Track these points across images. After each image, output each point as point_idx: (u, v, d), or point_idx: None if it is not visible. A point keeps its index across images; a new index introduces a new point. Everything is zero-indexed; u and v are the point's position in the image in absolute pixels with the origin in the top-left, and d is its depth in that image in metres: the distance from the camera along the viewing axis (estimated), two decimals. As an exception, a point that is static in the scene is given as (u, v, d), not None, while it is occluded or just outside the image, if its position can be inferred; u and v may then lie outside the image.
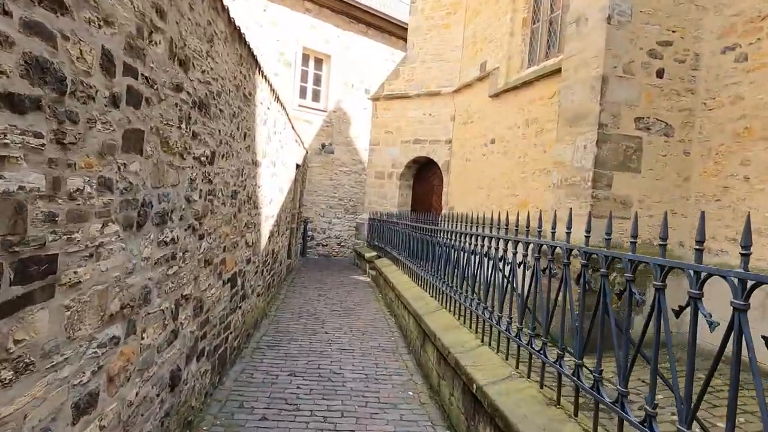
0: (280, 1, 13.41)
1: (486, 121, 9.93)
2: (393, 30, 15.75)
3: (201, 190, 3.37)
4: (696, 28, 4.81)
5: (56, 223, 1.65)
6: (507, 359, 3.25)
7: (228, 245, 4.37)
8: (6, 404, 1.44)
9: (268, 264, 7.13)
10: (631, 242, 2.42)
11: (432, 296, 5.69)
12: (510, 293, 3.50)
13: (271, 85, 5.85)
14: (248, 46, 4.47)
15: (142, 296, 2.45)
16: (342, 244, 15.41)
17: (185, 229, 3.10)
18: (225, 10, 3.66)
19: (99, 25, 1.82)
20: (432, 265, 5.94)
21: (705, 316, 1.66)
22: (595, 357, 2.36)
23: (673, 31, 4.78)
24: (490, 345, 3.59)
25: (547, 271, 2.87)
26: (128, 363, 2.33)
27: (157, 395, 2.75)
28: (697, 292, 1.74)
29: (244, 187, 4.90)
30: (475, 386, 3.00)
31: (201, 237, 3.47)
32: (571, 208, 4.85)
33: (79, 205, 1.79)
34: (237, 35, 4.07)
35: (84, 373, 1.90)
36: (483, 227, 4.34)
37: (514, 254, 3.40)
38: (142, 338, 2.50)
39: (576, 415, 2.46)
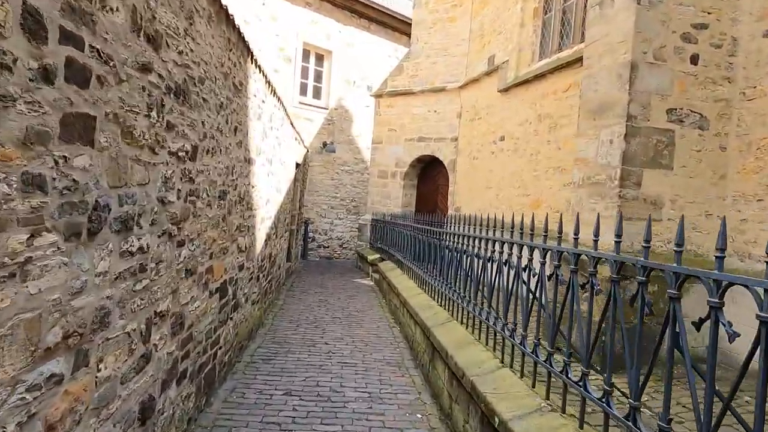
0: (279, -6, 12.99)
1: (494, 118, 9.48)
2: (396, 25, 15.30)
3: (180, 190, 2.93)
4: (733, 10, 4.34)
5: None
6: (534, 386, 2.80)
7: (216, 251, 3.93)
8: None
9: (265, 269, 6.69)
10: (675, 251, 2.00)
11: (441, 305, 5.23)
12: (531, 305, 3.05)
13: (266, 76, 5.41)
14: (238, 29, 4.03)
15: (97, 320, 2.01)
16: (344, 245, 14.97)
17: (159, 236, 2.65)
18: (208, -15, 3.22)
19: (17, -29, 1.38)
20: (440, 270, 5.48)
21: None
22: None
23: (709, 13, 4.31)
24: (511, 367, 3.13)
25: (587, 285, 2.41)
26: (77, 403, 1.89)
27: (122, 434, 2.31)
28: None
29: (235, 187, 4.46)
30: (497, 420, 2.55)
31: (180, 244, 3.03)
32: (598, 211, 4.42)
33: (-12, 210, 1.35)
34: (224, 15, 3.63)
35: (4, 429, 1.46)
36: (495, 230, 3.89)
37: (542, 264, 2.94)
38: (99, 370, 2.06)
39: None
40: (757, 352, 1.53)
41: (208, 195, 3.56)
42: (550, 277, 2.82)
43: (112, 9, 1.95)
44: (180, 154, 2.89)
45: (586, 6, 6.13)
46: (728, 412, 1.60)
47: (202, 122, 3.31)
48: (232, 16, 3.79)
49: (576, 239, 2.95)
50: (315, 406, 4.02)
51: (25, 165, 1.48)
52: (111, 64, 1.97)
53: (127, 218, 2.22)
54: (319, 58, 14.24)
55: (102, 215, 1.99)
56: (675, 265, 1.93)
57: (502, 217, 5.01)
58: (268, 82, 5.57)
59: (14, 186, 1.44)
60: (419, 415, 3.95)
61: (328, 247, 14.73)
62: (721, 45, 4.35)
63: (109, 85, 1.97)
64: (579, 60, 6.78)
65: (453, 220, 5.33)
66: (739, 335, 1.55)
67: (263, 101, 5.44)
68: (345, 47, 14.42)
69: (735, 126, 4.37)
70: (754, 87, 4.24)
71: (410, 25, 12.85)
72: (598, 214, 3.13)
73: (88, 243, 1.89)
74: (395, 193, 12.58)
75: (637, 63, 4.21)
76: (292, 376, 4.67)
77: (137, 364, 2.46)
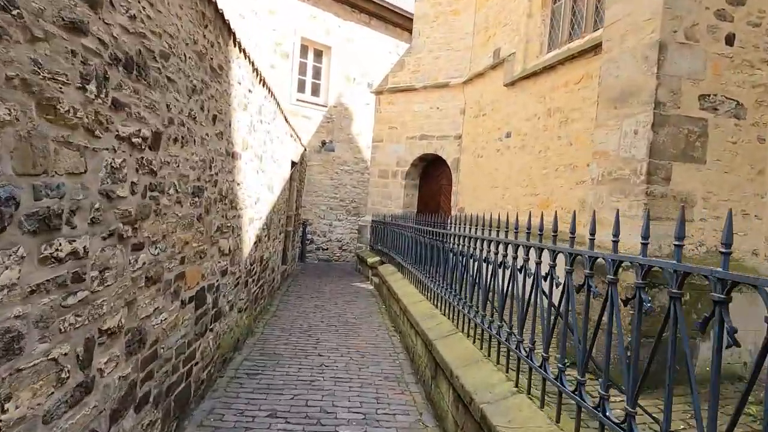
0: (276, -12, 12.55)
1: (500, 113, 9.00)
2: (397, 21, 14.85)
3: (135, 183, 2.46)
4: (773, -16, 3.87)
5: None
6: (558, 420, 2.32)
7: (189, 255, 3.47)
8: None
9: (255, 273, 6.23)
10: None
11: (444, 314, 4.76)
12: (554, 321, 2.57)
13: (252, 63, 4.95)
14: (215, 4, 3.56)
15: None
16: (344, 247, 14.50)
17: (104, 238, 2.19)
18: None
19: None
20: (443, 275, 5.00)
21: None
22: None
23: (746, -12, 3.84)
24: (529, 392, 2.66)
25: (637, 300, 1.95)
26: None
27: (45, 487, 1.84)
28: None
29: (215, 183, 4.00)
30: (515, 464, 2.07)
31: (138, 247, 2.56)
32: (620, 210, 3.94)
33: None
34: (196, -15, 3.17)
35: None
36: (507, 232, 3.42)
37: (569, 273, 2.46)
38: (5, 411, 1.59)
39: None
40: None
41: (177, 191, 3.10)
42: (579, 290, 2.33)
43: (15, -60, 1.48)
44: (135, 140, 2.43)
45: (601, -11, 5.66)
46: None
47: (168, 105, 2.84)
48: (206, -14, 3.34)
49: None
50: (302, 431, 3.55)
51: None
52: (15, 13, 1.50)
53: (48, 215, 1.75)
54: (318, 54, 13.79)
55: (5, 210, 1.52)
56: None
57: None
58: (256, 70, 5.11)
59: None
60: (420, 442, 3.47)
61: (327, 249, 14.26)
62: (759, 23, 3.87)
63: (12, 40, 1.50)
64: (593, 49, 6.33)
65: (457, 221, 4.86)
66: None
67: (250, 90, 4.98)
68: (345, 43, 13.97)
69: (775, 115, 3.89)
70: (798, 70, 3.76)
71: (412, 20, 12.40)
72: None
73: (-21, 247, 1.43)
74: (396, 194, 12.11)
75: (666, 43, 3.73)
76: (280, 394, 4.20)
77: (71, 395, 1.99)
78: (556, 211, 3.83)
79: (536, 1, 8.23)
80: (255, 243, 6.07)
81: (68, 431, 1.98)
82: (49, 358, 1.82)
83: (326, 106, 13.89)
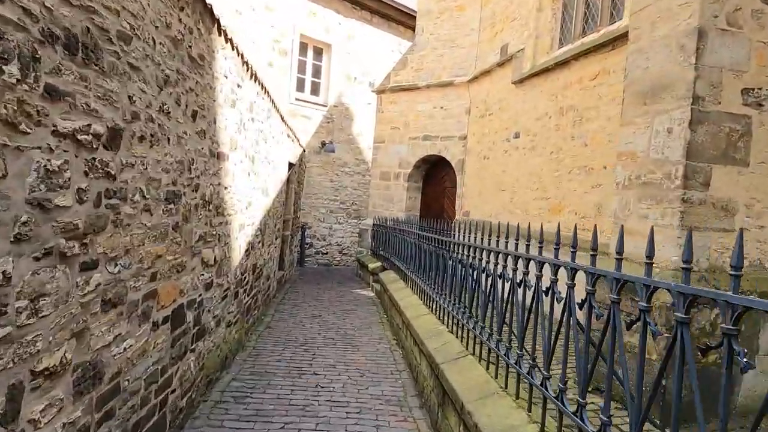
0: (275, -17, 12.13)
1: (508, 112, 8.56)
2: (400, 18, 14.42)
3: (83, 189, 2.04)
4: (825, -36, 3.42)
5: None
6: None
7: (163, 270, 3.04)
8: None
9: (247, 283, 5.80)
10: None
11: (451, 331, 4.32)
12: (593, 363, 2.13)
13: (242, 56, 4.52)
14: (193, -16, 3.14)
15: None
16: (344, 252, 14.06)
17: (37, 258, 1.76)
18: None
19: None
20: (450, 288, 4.56)
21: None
22: None
23: (795, -32, 3.39)
24: (559, 440, 2.21)
25: (680, 335, 1.53)
26: None
27: None
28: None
29: (196, 188, 3.57)
30: None
31: (89, 266, 2.14)
32: (652, 218, 3.50)
33: None
34: (167, -41, 2.74)
35: None
36: (528, 245, 2.99)
37: (615, 302, 2.03)
38: None
39: None
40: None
41: (144, 197, 2.67)
42: (630, 326, 1.89)
43: None
44: (82, 137, 2.00)
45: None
46: None
47: (131, 97, 2.41)
48: (181, -38, 2.91)
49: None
50: (291, 471, 3.11)
51: None
52: None
53: (-61, 235, 1.32)
54: (318, 52, 13.37)
55: None
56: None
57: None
58: (246, 63, 4.69)
59: None
60: (426, 485, 3.04)
61: (326, 253, 13.82)
62: (809, 8, 3.43)
63: None
64: (611, 43, 5.89)
65: (466, 228, 4.43)
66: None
67: (238, 85, 4.55)
68: (345, 41, 13.55)
69: (827, 111, 3.44)
70: None
71: (414, 17, 11.99)
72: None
73: None
74: (398, 196, 11.67)
75: (706, 30, 3.29)
76: (268, 422, 3.76)
77: (-14, 461, 1.57)
78: (576, 225, 3.41)
79: (547, -7, 7.80)
80: (246, 251, 5.64)
81: (-20, 508, 1.55)
82: (-55, 420, 1.39)
83: (326, 106, 13.47)
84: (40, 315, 1.81)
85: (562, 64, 6.93)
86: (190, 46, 3.21)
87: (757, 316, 3.29)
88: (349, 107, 13.85)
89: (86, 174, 2.05)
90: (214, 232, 4.17)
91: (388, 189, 11.81)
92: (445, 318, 4.68)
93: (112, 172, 2.28)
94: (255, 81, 5.23)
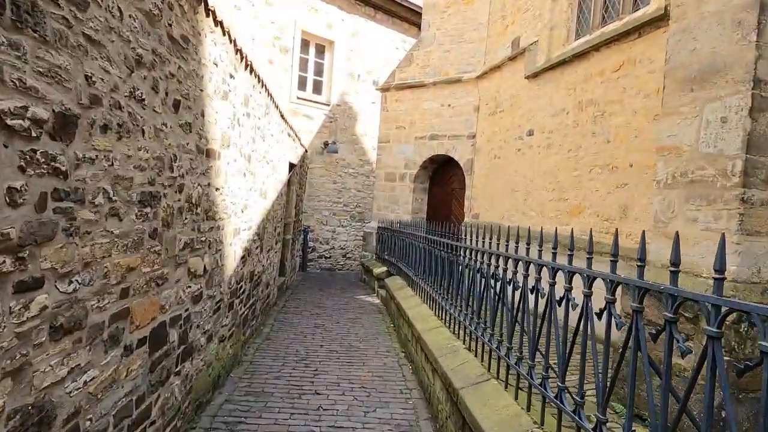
0: (275, -22, 11.72)
1: (521, 109, 8.11)
2: (405, 15, 13.99)
3: (18, 189, 1.60)
4: None
5: None
6: None
7: (138, 284, 2.59)
8: None
9: (243, 292, 5.35)
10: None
11: (468, 347, 3.87)
12: (665, 405, 1.68)
13: (234, 42, 4.09)
14: (172, -49, 2.71)
15: None
16: (348, 255, 13.61)
17: (-58, 280, 1.32)
18: None
19: None
20: (467, 300, 4.11)
21: None
22: None
23: None
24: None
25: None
26: None
27: None
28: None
29: (180, 188, 3.13)
30: None
31: (29, 286, 1.70)
32: (703, 222, 3.04)
33: None
34: None
35: None
36: (560, 253, 2.54)
37: (672, 322, 1.60)
38: None
39: None
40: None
41: (111, 199, 2.23)
42: (699, 358, 1.44)
43: None
44: (15, 122, 1.56)
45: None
46: None
47: (89, 77, 1.98)
48: None
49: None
50: None
51: None
52: None
53: None
54: (320, 50, 12.94)
55: None
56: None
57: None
58: (239, 51, 4.25)
59: None
60: None
61: (329, 257, 13.37)
62: None
63: None
64: (636, 30, 5.43)
65: (481, 232, 3.97)
66: None
67: (231, 76, 4.12)
68: (348, 38, 13.13)
69: None
70: None
71: (420, 13, 11.55)
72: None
73: None
74: (404, 198, 11.22)
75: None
76: (263, 454, 3.32)
77: None
78: (617, 229, 2.96)
79: (562, -18, 7.34)
80: (242, 257, 5.20)
81: None
82: None
83: (329, 105, 13.03)
84: (-50, 355, 1.37)
85: (581, 55, 6.48)
86: (170, 24, 2.78)
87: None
88: (352, 106, 13.42)
89: (22, 170, 1.62)
90: (204, 239, 3.73)
91: (394, 191, 11.37)
92: (461, 332, 4.23)
93: (63, 168, 1.84)
94: (251, 73, 4.80)
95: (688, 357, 2.64)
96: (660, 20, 5.08)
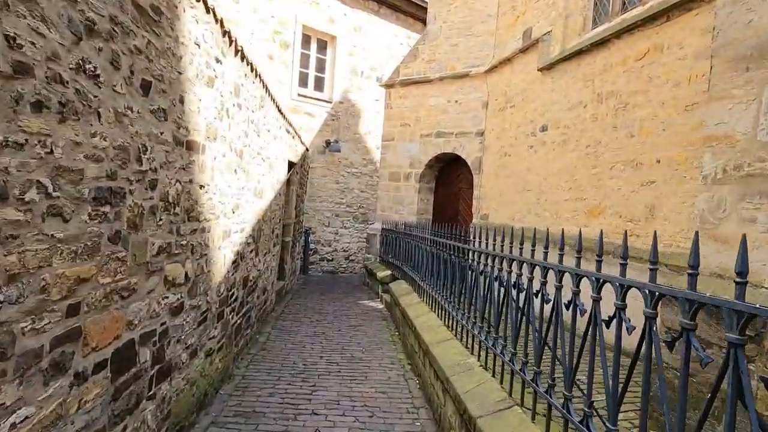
0: (275, -29, 11.31)
1: (533, 103, 7.66)
2: (409, 9, 13.56)
3: None
4: None
5: None
6: None
7: (93, 299, 2.16)
8: None
9: (235, 300, 4.92)
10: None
11: (485, 366, 3.41)
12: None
13: (221, 23, 3.66)
14: None
15: None
16: (350, 258, 13.17)
17: None
18: None
19: None
20: (483, 312, 3.66)
21: None
22: None
23: None
24: None
25: None
26: None
27: None
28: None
29: (152, 185, 2.70)
30: None
31: None
32: (762, 222, 2.58)
33: None
34: None
35: None
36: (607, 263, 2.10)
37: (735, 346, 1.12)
38: None
39: None
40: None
41: (49, 194, 1.80)
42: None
43: None
44: None
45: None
46: None
47: (11, 38, 1.55)
48: None
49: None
50: None
51: None
52: None
53: None
54: (322, 45, 12.52)
55: None
56: None
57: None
58: (227, 33, 3.82)
59: None
60: None
61: (332, 260, 12.94)
62: None
63: None
64: (664, 14, 4.97)
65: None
66: None
67: (218, 60, 3.69)
68: (351, 33, 12.71)
69: None
70: None
71: (425, 8, 11.15)
72: None
73: None
74: (409, 199, 10.78)
75: None
76: (250, 491, 2.87)
77: None
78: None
79: (578, -33, 6.89)
80: (234, 262, 4.77)
81: None
82: None
83: (331, 103, 12.61)
84: None
85: (600, 44, 6.02)
86: (136, -10, 2.35)
87: None
88: (355, 104, 12.99)
89: None
90: (184, 242, 3.29)
91: (398, 191, 10.93)
92: (474, 345, 3.78)
93: (-30, 154, 1.41)
94: (242, 59, 4.37)
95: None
96: (691, 1, 4.63)
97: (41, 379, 1.83)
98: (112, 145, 2.23)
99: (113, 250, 2.31)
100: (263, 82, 5.37)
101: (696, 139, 4.52)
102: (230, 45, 3.97)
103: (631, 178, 5.34)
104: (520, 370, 2.72)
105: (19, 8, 1.58)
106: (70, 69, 1.87)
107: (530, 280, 2.72)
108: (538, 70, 7.45)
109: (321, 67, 12.55)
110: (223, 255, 4.33)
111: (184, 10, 2.99)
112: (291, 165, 8.51)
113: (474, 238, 4.27)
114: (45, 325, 1.83)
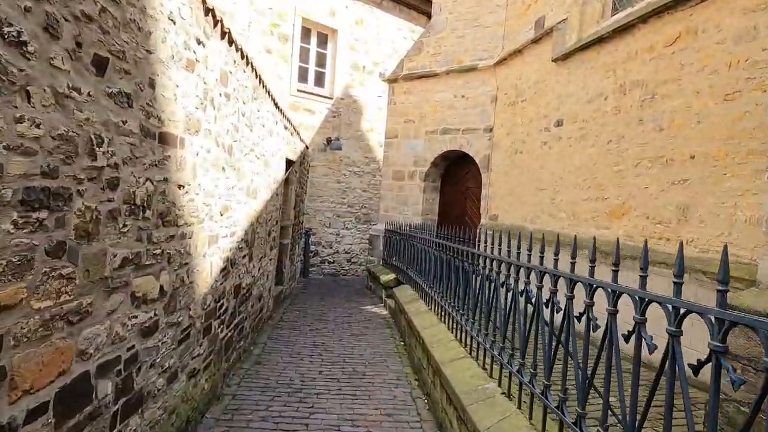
0: (274, -38, 10.83)
1: (547, 97, 7.18)
2: (413, 2, 13.07)
3: None
4: None
5: None
6: None
7: (24, 331, 1.71)
8: None
9: (225, 311, 4.46)
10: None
11: (507, 394, 2.94)
12: None
13: (203, 1, 3.19)
14: None
15: None
16: (353, 260, 12.71)
17: None
18: None
19: None
20: (505, 331, 3.18)
21: None
22: None
23: None
24: None
25: None
26: None
27: None
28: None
29: (112, 184, 2.24)
30: None
31: None
32: None
33: None
34: None
35: None
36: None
37: None
38: None
39: None
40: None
41: (-55, 198, 1.33)
42: None
43: None
44: None
45: None
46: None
47: None
48: None
49: None
50: None
51: None
52: None
53: None
54: (322, 39, 12.05)
55: None
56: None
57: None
58: (211, 12, 3.36)
59: None
60: None
61: (333, 262, 12.47)
62: None
63: None
64: (698, -7, 4.50)
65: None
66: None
67: (200, 42, 3.23)
68: (353, 26, 12.23)
69: None
70: None
71: (429, 1, 10.64)
72: None
73: None
74: (414, 198, 10.31)
75: None
76: None
77: None
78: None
79: (596, -51, 6.41)
80: (223, 269, 4.31)
81: None
82: None
83: (332, 99, 12.14)
84: None
85: (623, 30, 5.54)
86: (81, -59, 1.89)
87: None
88: (357, 100, 12.52)
89: None
90: (159, 251, 2.83)
91: (402, 190, 10.46)
92: (494, 367, 3.31)
93: None
94: (230, 44, 3.91)
95: None
96: (732, -22, 4.15)
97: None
98: (49, 135, 1.77)
99: (54, 265, 1.85)
100: (256, 71, 4.90)
101: (738, 131, 4.04)
102: (215, 26, 3.50)
103: (660, 175, 4.86)
104: (558, 407, 2.24)
105: None
106: (-23, 30, 1.41)
107: (569, 299, 2.24)
108: (552, 60, 6.97)
109: (321, 61, 12.08)
110: (209, 263, 3.87)
111: (154, -22, 2.53)
112: (290, 163, 8.05)
113: (487, 242, 3.80)
114: (-58, 371, 1.37)
